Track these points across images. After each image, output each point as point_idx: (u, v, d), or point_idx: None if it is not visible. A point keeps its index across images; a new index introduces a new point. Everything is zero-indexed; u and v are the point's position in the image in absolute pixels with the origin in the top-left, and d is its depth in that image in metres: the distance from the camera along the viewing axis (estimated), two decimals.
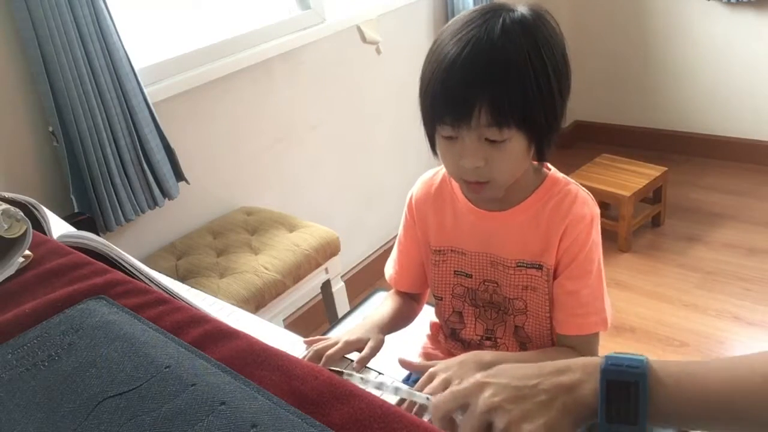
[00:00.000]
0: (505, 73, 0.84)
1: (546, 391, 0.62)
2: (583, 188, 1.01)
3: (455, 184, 1.05)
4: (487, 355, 0.94)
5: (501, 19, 0.86)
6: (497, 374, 0.66)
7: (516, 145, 0.88)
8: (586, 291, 0.98)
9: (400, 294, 1.16)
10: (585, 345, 1.00)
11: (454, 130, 0.88)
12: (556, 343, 1.05)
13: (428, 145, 0.97)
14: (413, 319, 1.18)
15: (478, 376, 0.67)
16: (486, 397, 0.63)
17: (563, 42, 0.91)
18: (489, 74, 0.84)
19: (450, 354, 1.14)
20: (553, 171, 1.02)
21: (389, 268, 1.18)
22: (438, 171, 1.10)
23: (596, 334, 1.00)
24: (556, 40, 0.89)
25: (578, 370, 0.63)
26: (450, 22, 0.91)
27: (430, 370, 0.89)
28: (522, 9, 0.89)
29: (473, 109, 0.84)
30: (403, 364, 0.95)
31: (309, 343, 1.00)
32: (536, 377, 0.63)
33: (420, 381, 0.87)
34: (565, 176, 1.03)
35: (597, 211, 1.00)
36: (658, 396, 0.60)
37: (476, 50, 0.84)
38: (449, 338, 1.14)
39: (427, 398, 0.76)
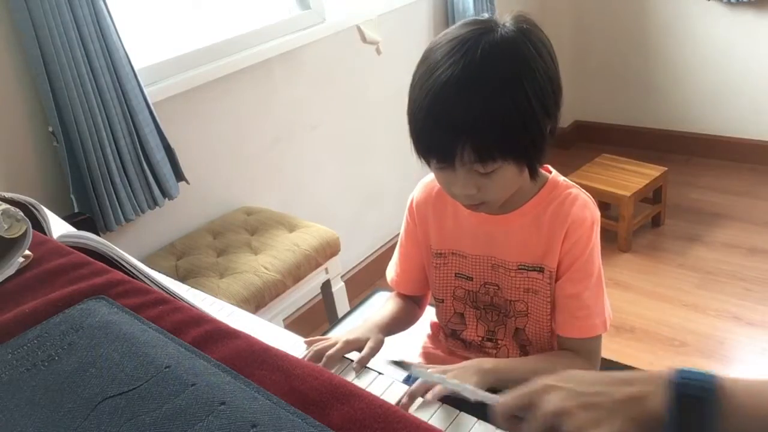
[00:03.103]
0: (484, 111, 0.83)
1: (616, 401, 0.63)
2: (585, 192, 1.02)
3: None
4: (487, 362, 0.94)
5: (480, 49, 0.83)
6: (567, 379, 0.67)
7: (506, 171, 0.88)
8: (587, 293, 0.98)
9: (402, 297, 1.17)
10: (587, 348, 1.00)
11: (441, 165, 0.89)
12: (557, 345, 1.04)
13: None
14: (414, 323, 1.18)
15: (547, 380, 0.67)
16: (555, 400, 0.64)
17: (549, 57, 0.88)
18: (467, 116, 0.83)
19: (451, 353, 1.15)
20: (554, 174, 1.02)
21: (391, 271, 1.18)
22: None
23: (598, 337, 1.00)
24: (539, 58, 0.86)
25: (645, 382, 0.64)
26: (436, 42, 0.89)
27: (429, 370, 0.89)
28: (506, 27, 0.86)
29: (455, 152, 0.85)
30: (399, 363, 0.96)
31: (309, 344, 1.00)
32: (606, 385, 0.64)
33: (417, 384, 0.87)
34: (566, 180, 1.03)
35: (598, 214, 1.00)
36: (728, 412, 0.60)
37: (455, 89, 0.83)
38: (450, 337, 1.14)
39: (496, 399, 0.75)
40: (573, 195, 0.99)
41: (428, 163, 0.94)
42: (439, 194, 1.07)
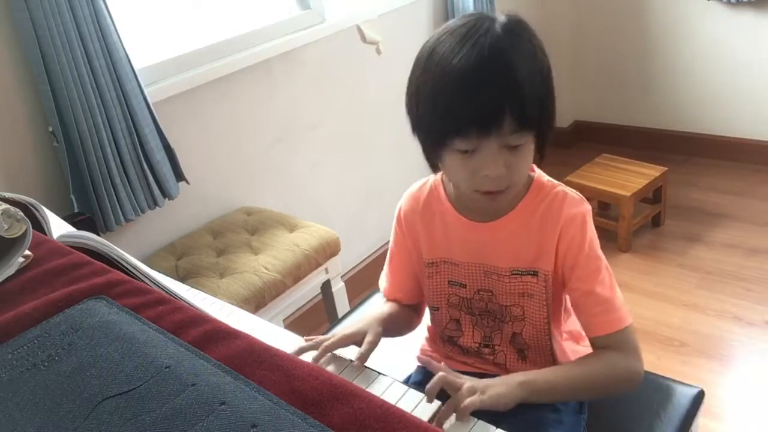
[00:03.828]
0: (520, 78, 0.85)
1: None
2: (571, 189, 1.01)
3: (443, 196, 1.04)
4: (517, 376, 0.91)
5: (496, 29, 0.86)
6: None
7: (529, 147, 0.90)
8: (600, 288, 0.96)
9: (399, 304, 1.15)
10: (621, 341, 0.96)
11: (473, 142, 0.87)
12: (591, 347, 1.01)
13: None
14: (413, 329, 1.17)
15: None
16: None
17: (542, 43, 0.93)
18: (508, 81, 0.84)
19: (447, 357, 1.14)
20: (538, 174, 1.02)
21: (383, 282, 1.17)
22: (424, 183, 1.09)
23: (628, 328, 0.96)
24: (539, 42, 0.91)
25: None
26: (438, 36, 0.90)
27: (441, 374, 0.87)
28: (502, 18, 0.89)
29: (502, 118, 0.84)
30: (421, 360, 0.92)
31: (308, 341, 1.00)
32: None
33: (433, 383, 0.85)
34: (551, 179, 1.02)
35: (587, 208, 0.99)
36: None
37: (487, 59, 0.84)
38: (447, 343, 1.13)
39: None
40: (560, 195, 0.99)
41: (439, 157, 0.92)
42: (426, 204, 1.07)
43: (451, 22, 0.91)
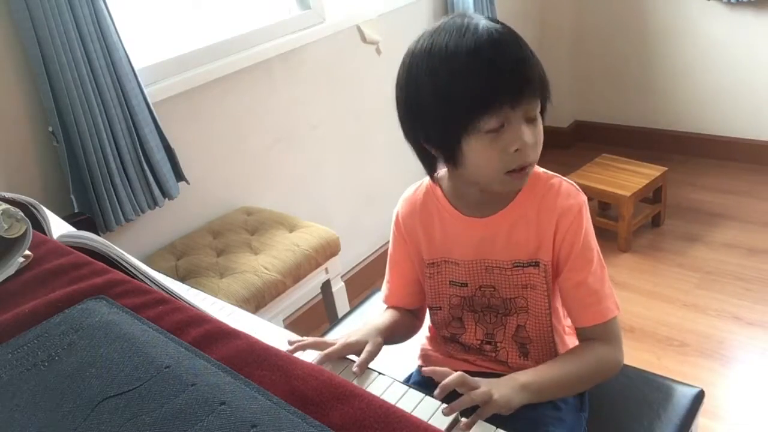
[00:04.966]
0: (528, 49, 0.89)
1: None
2: (567, 179, 1.02)
3: (440, 195, 1.05)
4: (521, 375, 0.92)
5: (484, 20, 0.89)
6: None
7: (541, 122, 0.92)
8: (592, 278, 0.97)
9: (400, 309, 1.15)
10: (607, 331, 0.98)
11: (502, 116, 0.87)
12: (578, 338, 1.03)
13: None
14: (414, 334, 1.16)
15: None
16: None
17: None
18: (522, 50, 0.89)
19: (449, 356, 1.14)
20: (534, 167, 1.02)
21: (385, 289, 1.17)
22: (419, 185, 1.10)
23: (615, 319, 0.99)
24: None
25: None
26: (429, 40, 0.92)
27: (461, 373, 0.86)
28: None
29: (527, 82, 0.87)
30: (427, 372, 0.90)
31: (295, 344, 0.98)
32: None
33: (451, 380, 0.84)
34: (546, 170, 1.03)
35: (583, 198, 1.00)
36: None
37: (495, 34, 0.87)
38: (449, 341, 1.14)
39: None
40: (556, 186, 1.00)
41: (459, 150, 0.90)
42: (424, 205, 1.07)
43: (434, 25, 0.93)
